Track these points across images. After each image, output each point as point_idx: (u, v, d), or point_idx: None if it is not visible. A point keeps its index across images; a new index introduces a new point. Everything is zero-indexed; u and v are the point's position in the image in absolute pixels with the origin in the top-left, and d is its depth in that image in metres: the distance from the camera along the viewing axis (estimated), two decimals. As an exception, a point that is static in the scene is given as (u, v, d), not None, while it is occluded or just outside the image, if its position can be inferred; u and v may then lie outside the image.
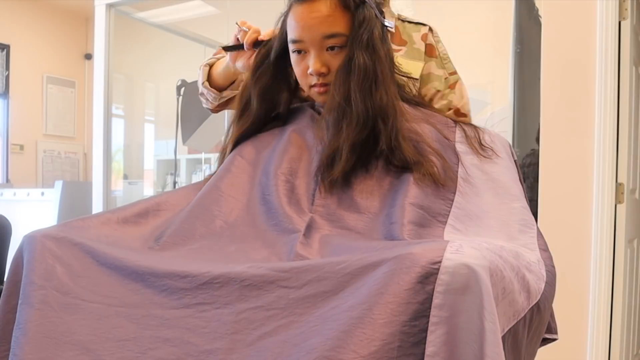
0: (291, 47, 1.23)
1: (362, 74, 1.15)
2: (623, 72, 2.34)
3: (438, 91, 1.49)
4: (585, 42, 2.33)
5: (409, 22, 1.54)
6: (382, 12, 1.25)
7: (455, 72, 1.53)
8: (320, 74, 1.21)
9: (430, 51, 1.51)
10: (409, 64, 1.46)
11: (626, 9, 2.34)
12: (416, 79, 1.48)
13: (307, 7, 1.17)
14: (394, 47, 1.46)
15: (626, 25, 2.34)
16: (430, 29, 1.53)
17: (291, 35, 1.21)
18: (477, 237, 1.03)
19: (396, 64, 1.29)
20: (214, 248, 1.07)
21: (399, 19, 1.54)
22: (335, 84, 1.18)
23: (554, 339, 1.15)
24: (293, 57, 1.25)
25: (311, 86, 1.25)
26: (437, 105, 1.49)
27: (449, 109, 1.49)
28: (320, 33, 1.18)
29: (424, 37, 1.51)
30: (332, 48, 1.19)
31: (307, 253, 0.99)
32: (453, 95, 1.50)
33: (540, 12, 2.59)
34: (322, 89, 1.23)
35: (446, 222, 1.04)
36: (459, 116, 1.47)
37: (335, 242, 1.02)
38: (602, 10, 2.30)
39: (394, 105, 1.17)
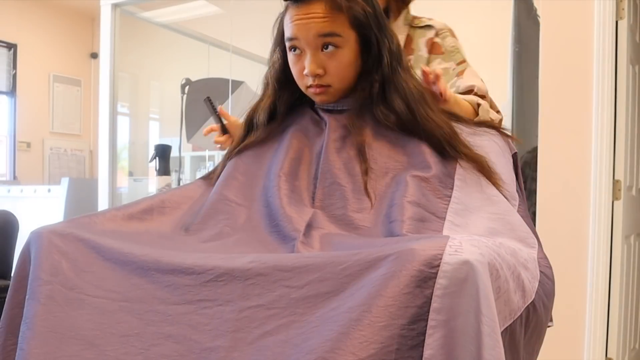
0: (287, 44, 1.24)
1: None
2: (620, 70, 2.35)
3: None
4: (583, 41, 2.34)
5: (418, 27, 1.56)
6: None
7: (464, 61, 1.53)
8: (316, 75, 1.22)
9: (434, 49, 1.53)
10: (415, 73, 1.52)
11: (623, 9, 2.35)
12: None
13: (302, 9, 1.19)
14: None
15: (623, 25, 2.36)
16: (437, 33, 1.55)
17: (287, 33, 1.23)
18: (479, 228, 1.04)
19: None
20: (221, 249, 1.08)
21: (411, 25, 1.56)
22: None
23: (548, 326, 1.15)
24: (290, 57, 1.26)
25: (308, 87, 1.25)
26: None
27: (466, 92, 1.48)
28: (315, 32, 1.19)
29: (428, 42, 1.54)
30: (326, 47, 1.20)
31: (308, 252, 1.00)
32: (461, 81, 1.50)
33: (539, 12, 2.61)
34: (318, 90, 1.24)
35: (445, 217, 1.05)
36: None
37: (336, 241, 1.03)
38: (600, 10, 2.32)
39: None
